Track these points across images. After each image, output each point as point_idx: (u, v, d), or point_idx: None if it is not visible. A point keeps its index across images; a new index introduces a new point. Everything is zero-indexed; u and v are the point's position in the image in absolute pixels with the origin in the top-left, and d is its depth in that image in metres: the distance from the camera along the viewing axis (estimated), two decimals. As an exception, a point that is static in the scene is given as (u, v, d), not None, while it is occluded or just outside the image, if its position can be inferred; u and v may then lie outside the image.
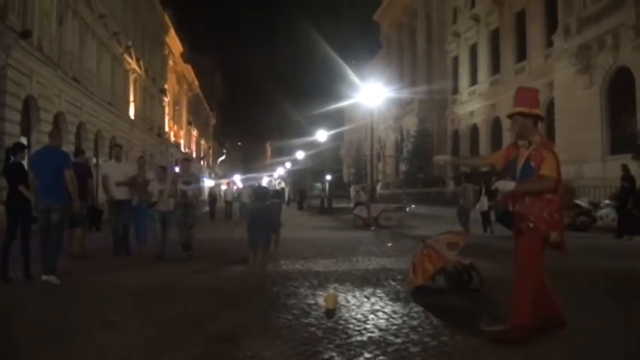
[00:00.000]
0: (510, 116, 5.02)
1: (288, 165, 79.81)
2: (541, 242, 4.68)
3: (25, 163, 8.26)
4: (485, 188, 16.60)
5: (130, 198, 10.80)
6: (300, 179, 77.32)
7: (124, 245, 10.75)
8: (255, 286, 7.04)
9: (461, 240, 6.94)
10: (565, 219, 5.55)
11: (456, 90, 46.03)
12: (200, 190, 12.90)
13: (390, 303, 6.20)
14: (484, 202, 16.66)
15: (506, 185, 4.78)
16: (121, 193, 10.72)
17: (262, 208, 7.61)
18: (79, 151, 11.78)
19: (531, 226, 4.65)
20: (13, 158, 8.11)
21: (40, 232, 7.83)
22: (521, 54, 35.35)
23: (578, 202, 18.61)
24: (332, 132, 58.13)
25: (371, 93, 27.27)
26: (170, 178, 10.86)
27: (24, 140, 19.09)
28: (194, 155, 70.52)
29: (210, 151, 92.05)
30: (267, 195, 8.13)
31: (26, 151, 8.67)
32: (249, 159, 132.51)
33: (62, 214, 7.86)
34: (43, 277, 7.50)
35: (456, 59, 46.21)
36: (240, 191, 26.41)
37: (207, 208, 30.22)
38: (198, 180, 11.75)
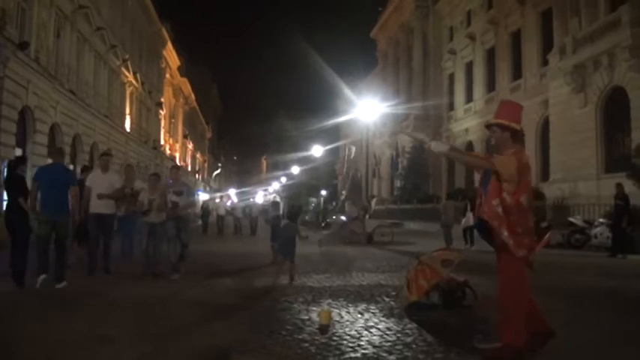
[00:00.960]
0: (488, 126, 4.94)
1: (283, 179, 79.84)
2: (516, 259, 4.57)
3: (24, 176, 8.73)
4: (471, 205, 16.41)
5: (113, 212, 9.78)
6: (294, 194, 77.28)
7: (104, 263, 9.54)
8: (286, 279, 9.03)
9: (455, 257, 6.96)
10: (549, 235, 5.51)
11: (451, 107, 46.25)
12: (194, 202, 11.59)
13: (384, 319, 6.19)
14: (469, 218, 16.74)
15: (440, 146, 4.78)
16: (102, 207, 9.53)
17: (293, 226, 9.82)
18: (85, 168, 12.13)
19: (502, 240, 4.56)
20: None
21: (38, 241, 8.13)
22: (517, 72, 35.58)
23: (572, 220, 18.67)
24: (327, 147, 58.31)
25: (367, 109, 27.41)
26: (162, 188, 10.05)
27: (19, 151, 19.09)
28: (189, 169, 70.45)
29: (206, 165, 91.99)
30: (299, 214, 9.98)
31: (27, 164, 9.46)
32: (244, 173, 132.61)
33: (67, 227, 8.53)
34: (57, 286, 7.98)
35: (451, 76, 46.49)
36: (234, 206, 26.41)
37: (200, 222, 30.19)
38: (190, 191, 10.45)
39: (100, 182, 9.68)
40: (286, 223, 10.11)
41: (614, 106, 23.88)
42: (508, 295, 4.62)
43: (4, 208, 8.62)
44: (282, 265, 9.32)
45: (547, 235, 5.96)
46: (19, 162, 8.84)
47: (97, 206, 9.51)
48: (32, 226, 8.33)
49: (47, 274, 8.08)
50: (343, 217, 23.05)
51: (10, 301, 7.11)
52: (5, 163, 13.54)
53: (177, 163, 58.38)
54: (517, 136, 4.80)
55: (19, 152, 18.95)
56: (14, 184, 8.33)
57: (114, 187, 9.74)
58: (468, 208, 17.13)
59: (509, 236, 4.50)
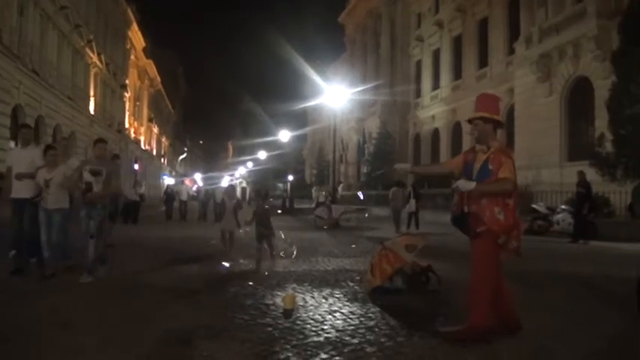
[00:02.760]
0: (471, 120, 5.08)
1: (249, 165, 79.40)
2: (495, 244, 4.76)
3: None
4: (414, 192, 18.97)
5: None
6: (261, 179, 77.02)
7: (35, 257, 7.93)
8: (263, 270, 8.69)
9: (419, 242, 7.01)
10: (523, 224, 5.66)
11: (418, 94, 46.53)
12: (118, 187, 8.65)
13: (348, 304, 6.22)
14: (412, 204, 18.79)
15: (467, 185, 4.82)
16: (23, 190, 7.83)
17: (266, 207, 9.86)
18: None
19: (484, 229, 4.72)
20: None
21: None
22: (483, 60, 35.93)
23: (535, 206, 19.01)
24: (295, 133, 58.14)
25: (334, 94, 27.34)
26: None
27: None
28: (154, 153, 69.54)
29: (171, 149, 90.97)
30: (268, 195, 11.03)
31: None
32: (210, 157, 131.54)
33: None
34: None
35: (419, 63, 46.72)
36: (199, 190, 25.78)
37: (163, 208, 29.73)
38: (116, 173, 8.04)
39: (20, 160, 8.03)
40: (259, 207, 9.99)
41: (578, 95, 24.31)
42: (480, 280, 4.76)
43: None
44: (261, 251, 9.41)
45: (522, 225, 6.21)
46: None
47: (16, 190, 7.89)
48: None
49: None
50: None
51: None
52: None
53: (145, 148, 57.61)
54: (499, 126, 5.05)
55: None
56: None
57: (35, 164, 7.92)
58: (412, 195, 18.91)
59: (507, 238, 4.75)
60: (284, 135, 46.01)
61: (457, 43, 39.97)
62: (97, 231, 7.51)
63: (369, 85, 48.96)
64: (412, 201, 18.86)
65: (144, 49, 57.25)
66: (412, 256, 6.77)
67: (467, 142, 34.77)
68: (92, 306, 6.00)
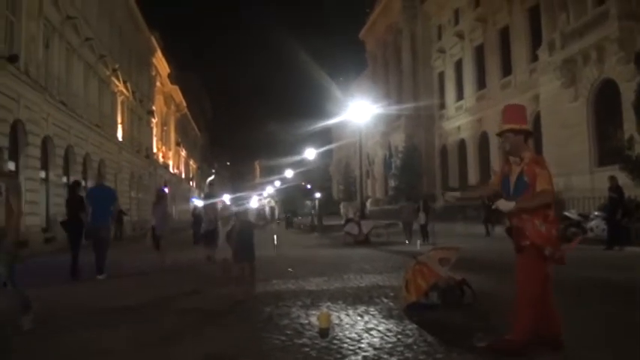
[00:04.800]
0: (500, 134, 5.03)
1: (277, 184, 79.65)
2: (540, 258, 4.64)
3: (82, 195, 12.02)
4: (423, 205, 20.17)
5: None
6: (289, 198, 77.21)
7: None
8: (244, 297, 7.74)
9: (452, 255, 6.93)
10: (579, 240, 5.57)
11: (442, 105, 46.36)
12: (18, 211, 5.89)
13: (384, 321, 6.16)
14: (421, 217, 19.83)
15: (507, 205, 4.75)
16: None
17: (248, 227, 8.45)
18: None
19: (527, 243, 4.65)
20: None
21: (94, 244, 11.01)
22: (507, 69, 35.69)
23: (567, 214, 18.70)
24: (320, 150, 58.19)
25: (358, 110, 27.38)
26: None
27: (12, 165, 19.00)
28: (183, 176, 70.23)
29: (199, 172, 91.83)
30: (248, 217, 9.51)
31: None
32: (238, 178, 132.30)
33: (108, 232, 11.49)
34: (98, 277, 10.67)
35: (441, 75, 46.60)
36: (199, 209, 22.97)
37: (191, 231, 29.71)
38: (16, 187, 6.05)
39: None
40: (240, 222, 8.62)
41: (605, 99, 23.97)
42: (523, 294, 4.68)
43: (64, 220, 11.82)
44: (239, 272, 8.15)
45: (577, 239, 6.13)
46: (77, 185, 12.35)
47: None
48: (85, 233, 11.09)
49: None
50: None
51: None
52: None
53: (173, 172, 58.21)
54: (529, 136, 4.98)
55: (12, 166, 18.88)
56: (77, 203, 11.36)
57: None
58: (421, 208, 20.09)
59: (551, 250, 4.62)
60: (310, 153, 46.09)
61: (479, 53, 39.80)
62: (9, 274, 5.73)
63: (392, 100, 48.99)
64: (421, 215, 19.91)
65: (169, 75, 58.11)
66: (446, 270, 6.70)
67: (494, 152, 34.50)
68: (124, 327, 6.04)
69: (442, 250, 7.26)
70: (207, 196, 16.82)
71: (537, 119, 28.57)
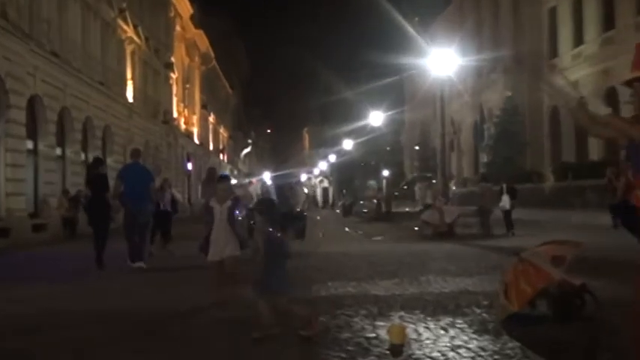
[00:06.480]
0: (629, 83, 4.87)
1: (332, 158, 79.84)
2: None
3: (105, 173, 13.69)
4: (507, 187, 20.75)
5: None
6: (347, 176, 77.38)
7: None
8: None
9: (569, 252, 6.80)
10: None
11: (554, 53, 45.33)
12: None
13: (476, 337, 6.15)
14: (506, 202, 20.25)
15: (599, 107, 4.62)
16: None
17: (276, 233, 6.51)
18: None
19: None
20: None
21: (127, 229, 12.64)
22: (644, 2, 34.63)
23: None
24: (389, 113, 57.92)
25: (439, 60, 27.07)
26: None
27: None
28: (211, 148, 71.15)
29: (232, 142, 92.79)
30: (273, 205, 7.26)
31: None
32: (281, 151, 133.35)
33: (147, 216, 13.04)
34: (135, 264, 12.23)
35: (553, 12, 45.54)
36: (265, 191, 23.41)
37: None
38: None
39: None
40: (262, 229, 6.64)
41: None
42: None
43: (87, 202, 13.93)
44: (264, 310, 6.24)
45: None
46: (100, 163, 14.33)
47: None
48: (113, 217, 13.08)
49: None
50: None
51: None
52: None
53: (196, 139, 58.99)
54: None
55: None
56: (100, 182, 12.96)
57: None
58: (504, 190, 20.63)
59: None
60: (375, 118, 46.00)
61: (606, -19, 38.69)
62: None
63: (485, 46, 48.17)
64: (505, 198, 20.34)
65: (191, 17, 58.44)
66: (561, 271, 6.59)
67: (625, 113, 33.60)
68: (150, 339, 6.23)
69: (556, 244, 7.14)
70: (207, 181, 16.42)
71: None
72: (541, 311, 6.65)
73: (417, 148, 71.14)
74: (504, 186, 21.01)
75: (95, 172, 13.70)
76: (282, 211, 14.53)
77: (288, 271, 6.33)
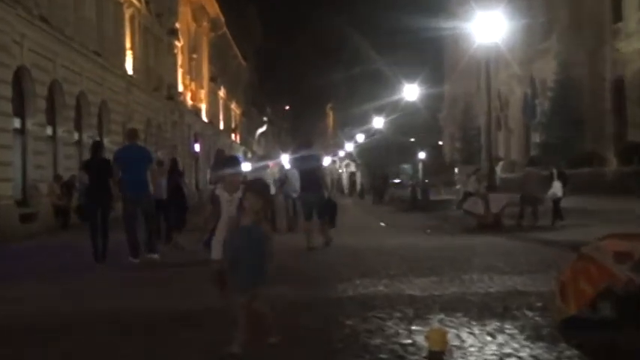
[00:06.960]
0: None
1: (360, 138, 79.70)
2: None
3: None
4: (558, 172, 21.18)
5: None
6: (378, 160, 77.28)
7: None
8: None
9: (637, 247, 6.75)
10: None
11: (618, 17, 44.90)
12: None
13: (528, 343, 6.15)
14: (558, 188, 20.54)
15: None
16: None
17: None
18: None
19: None
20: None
21: (126, 220, 13.02)
22: None
23: None
24: (426, 87, 57.67)
25: (484, 24, 26.88)
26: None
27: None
28: (221, 126, 71.26)
29: (245, 120, 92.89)
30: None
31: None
32: (301, 130, 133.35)
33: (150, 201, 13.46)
34: (147, 256, 12.90)
35: (617, -32, 45.13)
36: (283, 176, 22.50)
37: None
38: None
39: None
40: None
41: None
42: None
43: (85, 189, 14.26)
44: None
45: None
46: (99, 146, 14.63)
47: None
48: (113, 206, 13.34)
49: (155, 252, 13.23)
50: None
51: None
52: None
53: (204, 117, 59.11)
54: None
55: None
56: (101, 167, 13.16)
57: None
58: (555, 176, 21.00)
59: None
60: (410, 91, 45.82)
61: None
62: None
63: (537, 8, 47.78)
64: (556, 184, 20.62)
65: (199, -24, 58.46)
66: (627, 269, 6.54)
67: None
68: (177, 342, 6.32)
69: (621, 238, 7.08)
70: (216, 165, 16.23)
71: None
72: (604, 314, 6.62)
73: (458, 126, 70.88)
74: (555, 171, 21.36)
75: (98, 157, 13.91)
76: (311, 201, 14.65)
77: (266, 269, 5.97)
